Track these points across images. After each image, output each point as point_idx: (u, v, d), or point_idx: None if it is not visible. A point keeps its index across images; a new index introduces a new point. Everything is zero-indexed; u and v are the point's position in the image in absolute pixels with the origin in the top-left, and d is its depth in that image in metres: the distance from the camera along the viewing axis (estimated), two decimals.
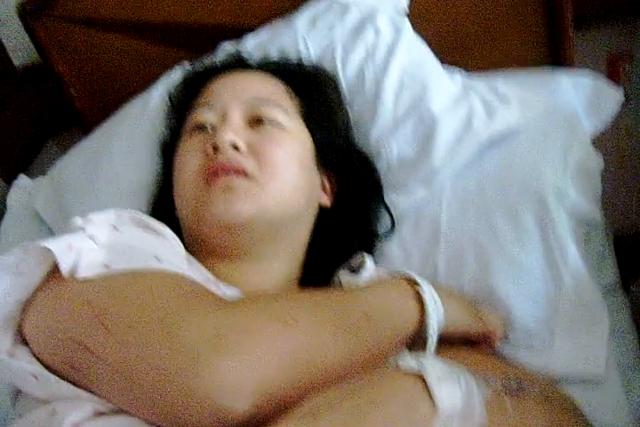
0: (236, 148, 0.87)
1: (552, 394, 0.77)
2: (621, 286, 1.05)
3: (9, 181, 1.42)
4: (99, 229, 0.74)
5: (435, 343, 0.78)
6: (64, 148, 1.55)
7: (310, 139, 0.96)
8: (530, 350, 0.92)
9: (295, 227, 0.92)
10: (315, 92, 1.01)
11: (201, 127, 0.93)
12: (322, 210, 0.98)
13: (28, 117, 1.61)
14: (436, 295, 0.79)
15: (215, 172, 0.85)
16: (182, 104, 1.03)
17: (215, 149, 0.87)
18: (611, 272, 1.05)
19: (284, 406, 0.60)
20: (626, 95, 1.13)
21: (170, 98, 1.11)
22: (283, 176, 0.88)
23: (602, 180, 1.07)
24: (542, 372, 0.89)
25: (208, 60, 1.12)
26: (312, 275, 0.96)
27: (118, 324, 0.64)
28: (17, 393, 0.78)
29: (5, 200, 1.34)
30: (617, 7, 1.36)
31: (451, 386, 0.61)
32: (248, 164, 0.86)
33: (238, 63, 1.06)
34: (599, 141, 1.10)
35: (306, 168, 0.93)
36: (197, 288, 0.71)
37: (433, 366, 0.63)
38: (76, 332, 0.66)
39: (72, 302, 0.68)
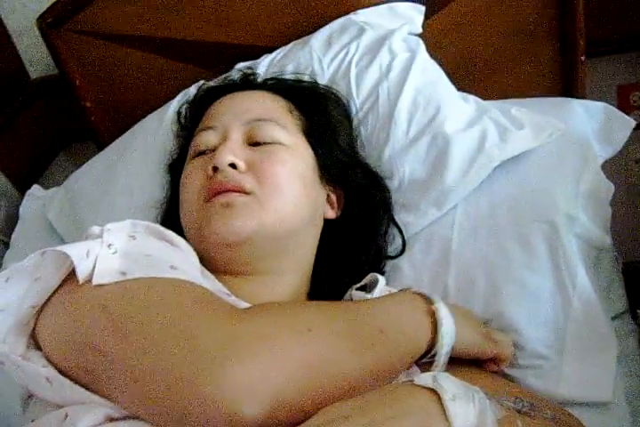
0: (235, 167, 0.89)
1: (562, 416, 0.77)
2: (630, 313, 1.05)
3: (21, 191, 1.44)
4: (116, 237, 0.75)
5: (445, 362, 0.79)
6: (75, 160, 1.58)
7: (312, 154, 0.97)
8: (538, 373, 0.92)
9: (299, 241, 0.93)
10: (316, 108, 1.02)
11: (203, 150, 0.95)
12: (329, 223, 0.99)
13: (41, 129, 1.62)
14: (449, 314, 0.79)
15: (214, 191, 0.87)
16: (190, 125, 1.06)
17: (215, 169, 0.89)
18: (619, 298, 1.05)
19: (297, 418, 0.61)
20: (636, 125, 1.15)
21: (179, 119, 1.13)
22: (283, 192, 0.89)
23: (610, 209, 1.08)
24: (550, 395, 0.89)
25: (220, 80, 1.15)
26: (322, 290, 0.97)
27: (133, 329, 0.65)
28: (28, 399, 0.79)
29: (18, 209, 1.35)
30: (627, 38, 1.39)
31: (465, 404, 0.62)
32: (247, 182, 0.88)
33: (242, 83, 1.09)
34: (608, 171, 1.10)
35: (307, 183, 0.94)
36: (212, 296, 0.72)
37: (448, 383, 0.63)
38: (91, 336, 0.67)
39: (88, 306, 0.69)
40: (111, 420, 0.65)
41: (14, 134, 1.54)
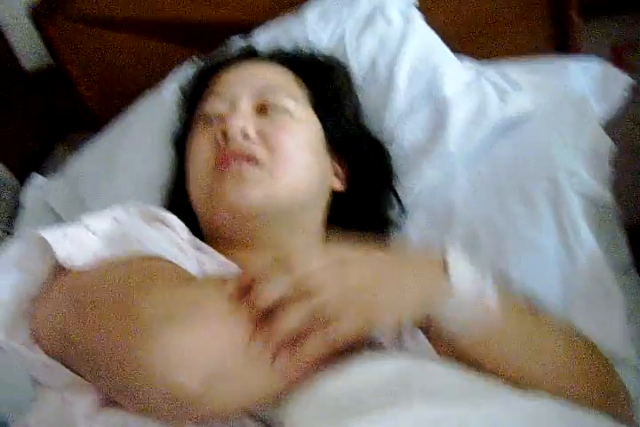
0: (246, 135, 0.88)
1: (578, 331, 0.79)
2: (634, 267, 1.06)
3: (22, 181, 1.44)
4: (99, 221, 0.76)
5: None
6: (73, 150, 1.57)
7: (319, 126, 0.96)
8: None
9: (308, 213, 0.93)
10: (322, 80, 1.01)
11: (210, 117, 0.93)
12: (336, 195, 0.99)
13: (38, 120, 1.63)
14: None
15: (226, 159, 0.86)
16: (194, 96, 1.04)
17: (225, 136, 0.87)
18: (623, 252, 1.05)
19: (238, 389, 0.60)
20: (632, 85, 1.14)
21: (182, 90, 1.11)
22: (293, 163, 0.88)
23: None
24: None
25: (219, 54, 1.13)
26: None
27: (89, 311, 0.64)
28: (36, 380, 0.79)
29: (20, 199, 1.35)
30: None
31: (466, 265, 0.68)
32: (258, 151, 0.87)
33: (248, 54, 1.07)
34: (611, 134, 1.09)
35: (316, 154, 0.93)
36: (167, 268, 0.70)
37: (457, 252, 0.70)
38: (61, 325, 0.67)
39: (60, 294, 0.69)
40: (105, 404, 0.65)
41: (12, 126, 1.54)
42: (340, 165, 1.00)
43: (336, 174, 0.99)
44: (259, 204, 0.85)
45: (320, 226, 0.96)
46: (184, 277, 0.69)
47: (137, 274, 0.67)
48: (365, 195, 1.01)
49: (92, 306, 0.65)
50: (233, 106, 0.92)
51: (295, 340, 0.60)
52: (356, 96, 1.07)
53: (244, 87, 0.94)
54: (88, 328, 0.63)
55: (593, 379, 0.75)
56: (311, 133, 0.94)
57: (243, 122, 0.88)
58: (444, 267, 0.67)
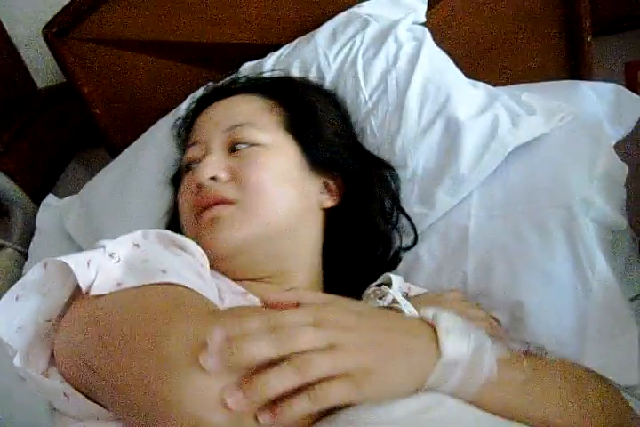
0: (215, 179, 0.90)
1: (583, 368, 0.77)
2: None
3: (35, 201, 1.45)
4: (120, 246, 0.76)
5: None
6: (87, 167, 1.58)
7: (297, 148, 0.96)
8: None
9: (297, 238, 0.93)
10: (295, 101, 1.01)
11: (189, 165, 0.97)
12: (334, 213, 0.99)
13: (51, 138, 1.63)
14: None
15: (200, 207, 0.90)
16: (184, 138, 1.08)
17: (199, 185, 0.91)
18: (637, 279, 1.04)
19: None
20: None
21: (178, 132, 1.14)
22: (266, 195, 0.90)
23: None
24: None
25: (227, 82, 1.15)
26: (336, 286, 0.97)
27: (116, 344, 0.64)
28: (53, 410, 0.79)
29: (34, 220, 1.36)
30: (634, 16, 1.38)
31: (458, 338, 0.64)
32: (228, 191, 0.89)
33: (223, 90, 1.08)
34: (622, 152, 1.09)
35: (293, 179, 0.94)
36: (190, 298, 0.70)
37: (447, 318, 0.66)
38: (84, 354, 0.67)
39: (83, 321, 0.69)
40: None
41: (25, 145, 1.55)
42: (334, 180, 1.00)
43: (329, 191, 0.99)
44: (236, 242, 0.87)
45: (313, 246, 0.97)
46: (206, 308, 0.69)
47: (159, 303, 0.68)
48: (359, 210, 1.00)
49: (115, 335, 0.65)
50: (205, 151, 0.95)
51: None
52: (341, 114, 1.08)
53: (213, 130, 0.97)
54: (110, 358, 0.64)
55: (603, 414, 0.73)
56: (284, 159, 0.95)
57: (210, 168, 0.91)
58: (435, 338, 0.64)
